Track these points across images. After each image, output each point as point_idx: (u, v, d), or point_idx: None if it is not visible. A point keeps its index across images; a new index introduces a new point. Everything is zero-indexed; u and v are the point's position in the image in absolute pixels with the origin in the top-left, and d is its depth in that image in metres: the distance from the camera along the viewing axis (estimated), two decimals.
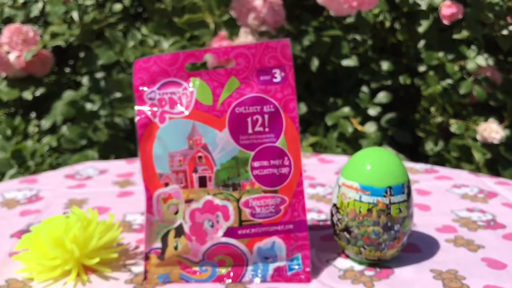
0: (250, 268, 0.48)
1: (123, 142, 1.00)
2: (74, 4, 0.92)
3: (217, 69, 0.48)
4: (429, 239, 0.52)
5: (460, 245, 0.50)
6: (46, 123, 1.02)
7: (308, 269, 0.46)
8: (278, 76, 0.48)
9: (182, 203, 0.47)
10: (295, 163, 0.48)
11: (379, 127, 1.01)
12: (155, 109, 0.48)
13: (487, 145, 0.97)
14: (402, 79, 1.05)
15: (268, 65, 0.48)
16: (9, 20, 0.98)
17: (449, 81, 0.99)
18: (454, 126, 1.01)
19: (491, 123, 0.96)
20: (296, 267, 0.47)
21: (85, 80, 1.01)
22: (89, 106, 0.96)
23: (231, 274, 0.47)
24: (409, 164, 0.75)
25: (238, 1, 0.95)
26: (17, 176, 1.00)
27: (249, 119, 0.47)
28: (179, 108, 0.48)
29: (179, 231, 0.48)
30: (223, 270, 0.47)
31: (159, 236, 0.48)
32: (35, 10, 0.97)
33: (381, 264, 0.47)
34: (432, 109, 1.03)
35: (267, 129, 0.47)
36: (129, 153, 1.03)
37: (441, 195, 0.63)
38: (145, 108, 0.48)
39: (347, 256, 0.48)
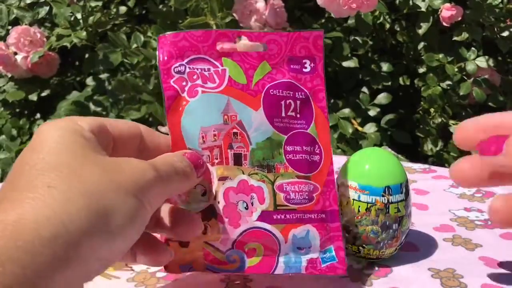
0: (282, 259, 0.44)
1: None
2: (79, 6, 0.93)
3: (249, 52, 0.47)
4: (427, 238, 0.52)
5: (457, 244, 0.51)
6: None
7: (344, 261, 0.44)
8: (308, 66, 0.47)
9: (212, 183, 0.44)
10: (325, 152, 0.46)
11: (379, 127, 1.02)
12: (183, 83, 0.45)
13: None
14: (401, 80, 1.06)
15: (298, 54, 0.47)
16: (16, 21, 0.99)
17: (449, 82, 1.00)
18: (454, 127, 1.02)
19: None
20: (330, 259, 0.44)
21: (89, 80, 1.02)
22: (93, 107, 0.97)
23: (262, 265, 0.44)
24: (407, 164, 0.75)
25: (240, 3, 0.96)
26: None
27: (282, 103, 0.46)
28: (212, 83, 0.46)
29: (208, 214, 0.43)
30: (253, 261, 0.44)
31: None
32: (42, 11, 0.98)
33: (379, 262, 0.47)
34: (432, 110, 1.03)
35: (298, 115, 0.46)
36: None
37: (438, 194, 0.64)
38: (172, 81, 0.45)
39: (346, 255, 0.49)
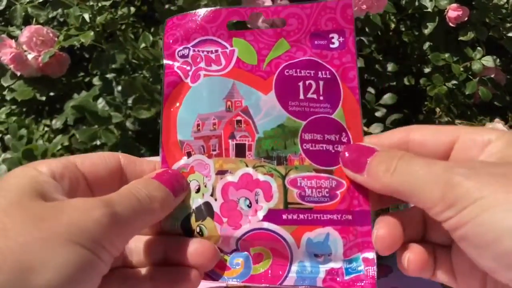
0: (294, 267, 0.38)
1: (133, 143, 1.02)
2: (87, 6, 0.94)
3: (263, 30, 0.41)
4: None
5: None
6: (57, 123, 1.04)
7: (372, 274, 0.38)
8: (335, 41, 0.41)
9: (209, 176, 0.39)
10: (355, 141, 0.40)
11: (385, 128, 1.02)
12: (187, 67, 0.41)
13: None
14: (406, 80, 1.06)
15: (324, 28, 0.41)
16: (27, 20, 1.00)
17: (455, 81, 1.01)
18: (460, 126, 1.03)
19: (497, 122, 0.97)
20: (356, 270, 0.38)
21: (95, 80, 1.03)
22: (100, 107, 0.98)
23: (269, 273, 0.38)
24: None
25: (248, 3, 0.97)
26: None
27: (300, 84, 0.40)
28: (217, 65, 0.41)
29: (202, 213, 0.39)
30: (259, 268, 0.38)
31: (178, 222, 0.39)
32: (54, 12, 0.99)
33: (380, 262, 0.48)
34: (438, 109, 1.04)
35: (321, 98, 0.40)
36: (139, 154, 1.05)
37: None
38: (177, 66, 0.41)
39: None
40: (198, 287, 0.38)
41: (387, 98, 1.04)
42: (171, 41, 0.42)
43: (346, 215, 0.38)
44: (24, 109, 1.09)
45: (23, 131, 1.04)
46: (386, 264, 0.48)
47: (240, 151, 0.39)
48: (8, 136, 1.05)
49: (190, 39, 0.42)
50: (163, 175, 0.37)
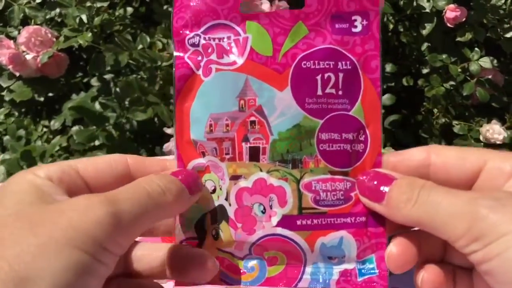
0: (308, 269, 0.38)
1: (131, 143, 1.02)
2: (85, 7, 0.94)
3: (280, 12, 0.38)
4: None
5: None
6: (55, 124, 1.04)
7: (385, 274, 0.37)
8: (358, 24, 0.37)
9: (224, 180, 0.38)
10: (372, 139, 0.38)
11: (383, 128, 1.02)
12: (199, 58, 0.38)
13: (490, 146, 0.98)
14: (404, 81, 1.06)
15: (346, 9, 0.37)
16: (25, 20, 0.99)
17: (452, 82, 1.01)
18: (457, 127, 1.03)
19: (494, 124, 0.97)
20: (369, 271, 0.38)
21: (93, 81, 1.03)
22: (97, 108, 0.97)
23: (285, 276, 0.38)
24: None
25: (246, 5, 0.96)
26: None
27: (318, 77, 0.37)
28: (229, 57, 0.38)
29: (217, 216, 0.38)
30: (274, 270, 0.38)
31: (192, 223, 0.38)
32: (52, 12, 0.99)
33: None
34: (436, 110, 1.04)
35: (340, 92, 0.37)
36: (137, 154, 1.05)
37: None
38: (187, 56, 0.38)
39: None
40: None
41: (386, 98, 1.04)
42: (180, 25, 0.38)
43: (360, 217, 0.37)
44: (23, 110, 1.09)
45: (22, 132, 1.04)
46: None
47: (254, 154, 0.38)
48: (7, 137, 1.05)
49: (200, 24, 0.38)
50: (179, 173, 0.36)
